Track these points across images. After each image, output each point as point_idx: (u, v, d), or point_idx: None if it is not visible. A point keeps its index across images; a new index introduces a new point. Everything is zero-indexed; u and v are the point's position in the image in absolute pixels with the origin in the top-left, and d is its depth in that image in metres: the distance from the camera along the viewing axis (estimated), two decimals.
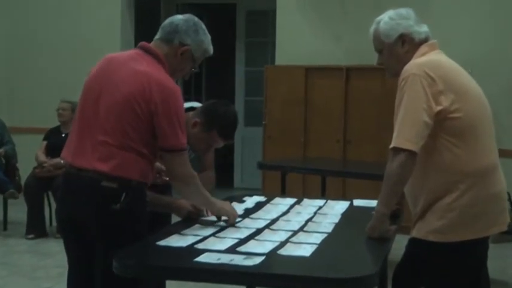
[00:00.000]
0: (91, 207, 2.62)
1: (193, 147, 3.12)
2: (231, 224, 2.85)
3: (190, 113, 3.10)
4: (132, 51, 2.83)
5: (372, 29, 2.84)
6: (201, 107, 3.15)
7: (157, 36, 2.83)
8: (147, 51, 2.77)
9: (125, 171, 2.61)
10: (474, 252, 2.74)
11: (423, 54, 2.75)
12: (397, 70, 2.80)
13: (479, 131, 2.69)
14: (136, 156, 2.63)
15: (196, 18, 2.87)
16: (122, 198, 2.60)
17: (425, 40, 2.78)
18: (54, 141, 6.40)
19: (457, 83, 2.68)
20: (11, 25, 8.35)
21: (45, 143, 6.52)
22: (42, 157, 6.39)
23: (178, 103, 2.68)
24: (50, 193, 6.50)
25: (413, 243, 2.75)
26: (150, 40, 2.85)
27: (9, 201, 6.61)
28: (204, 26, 2.87)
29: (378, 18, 2.83)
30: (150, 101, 2.60)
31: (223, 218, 2.89)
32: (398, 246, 2.97)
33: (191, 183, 2.75)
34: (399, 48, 2.79)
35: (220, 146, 3.20)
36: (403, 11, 2.81)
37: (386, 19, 2.79)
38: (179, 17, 2.86)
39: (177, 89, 2.70)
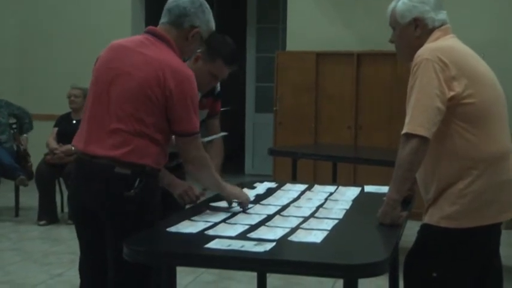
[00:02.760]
0: (105, 194, 2.63)
1: (198, 84, 3.05)
2: (245, 206, 2.87)
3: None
4: (141, 37, 2.81)
5: (391, 5, 2.82)
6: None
7: (164, 20, 2.80)
8: (157, 36, 2.76)
9: (139, 158, 2.62)
10: (486, 238, 2.73)
11: (436, 39, 2.72)
12: (405, 53, 2.79)
13: (492, 117, 2.66)
14: (150, 142, 2.64)
15: None
16: (136, 184, 2.61)
17: (439, 27, 2.76)
18: (65, 128, 6.43)
19: (470, 68, 2.65)
20: (22, 13, 8.39)
21: (56, 129, 6.55)
22: (53, 144, 6.41)
23: (193, 87, 2.69)
24: (61, 180, 6.53)
25: (426, 229, 2.74)
26: None
27: (21, 187, 6.65)
28: (206, 3, 2.86)
29: None
30: (165, 87, 2.60)
31: (234, 203, 2.89)
32: (410, 232, 2.97)
33: (203, 166, 2.77)
34: (411, 31, 2.76)
35: (225, 76, 3.20)
36: None
37: (405, 0, 2.77)
38: None
39: (191, 74, 2.70)
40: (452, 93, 2.57)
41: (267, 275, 3.66)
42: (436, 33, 2.74)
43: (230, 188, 2.93)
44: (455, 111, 2.59)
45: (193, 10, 2.78)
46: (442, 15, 2.78)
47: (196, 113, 2.70)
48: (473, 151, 2.60)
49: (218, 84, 3.46)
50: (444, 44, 2.70)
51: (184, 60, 2.89)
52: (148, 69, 2.62)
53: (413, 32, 2.76)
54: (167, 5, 2.83)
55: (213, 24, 2.87)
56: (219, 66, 3.14)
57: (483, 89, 2.65)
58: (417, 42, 2.74)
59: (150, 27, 2.83)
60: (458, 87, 2.58)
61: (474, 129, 2.61)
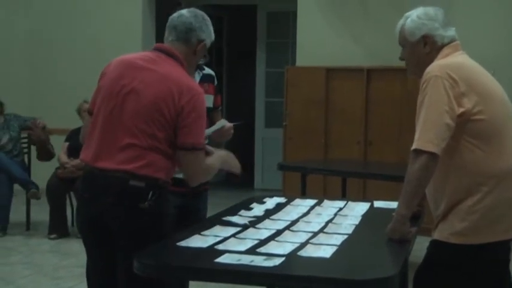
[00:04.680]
0: (119, 206, 2.66)
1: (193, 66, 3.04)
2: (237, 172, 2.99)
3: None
4: (150, 53, 2.85)
5: (399, 23, 2.83)
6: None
7: (171, 37, 2.86)
8: (166, 53, 2.81)
9: (152, 171, 2.66)
10: (496, 254, 2.71)
11: (446, 56, 2.73)
12: (415, 70, 2.80)
13: (501, 133, 2.66)
14: (163, 156, 2.69)
15: (200, 11, 2.92)
16: (149, 197, 2.64)
17: (448, 44, 2.77)
18: (76, 142, 6.42)
19: (480, 85, 2.66)
20: (33, 27, 8.44)
21: (67, 144, 6.57)
22: (64, 158, 6.44)
23: (202, 103, 2.75)
24: (71, 194, 6.55)
25: (435, 245, 2.73)
26: None
27: (32, 201, 6.67)
28: (206, 15, 2.93)
29: (407, 14, 2.82)
30: (178, 104, 2.66)
31: (245, 219, 2.89)
32: (419, 247, 2.97)
33: (210, 172, 2.84)
34: (421, 48, 2.77)
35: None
36: (431, 11, 2.79)
37: (414, 17, 2.78)
38: (186, 14, 2.89)
39: (201, 91, 2.77)
40: (462, 110, 2.57)
41: None
42: (445, 50, 2.75)
43: (222, 160, 2.95)
44: (465, 128, 2.59)
45: (198, 25, 2.86)
46: (451, 32, 2.79)
47: (203, 128, 2.76)
48: (483, 167, 2.60)
49: (215, 79, 3.50)
50: (454, 60, 2.71)
51: None
52: (161, 87, 2.68)
53: (423, 49, 2.77)
54: (171, 23, 2.89)
55: (213, 35, 2.94)
56: None
57: (493, 105, 2.65)
58: (427, 59, 2.75)
59: (159, 45, 2.89)
60: (468, 104, 2.58)
61: (484, 146, 2.61)
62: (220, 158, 2.94)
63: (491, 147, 2.62)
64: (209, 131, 3.19)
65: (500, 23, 6.98)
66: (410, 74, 2.89)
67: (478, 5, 7.07)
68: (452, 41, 2.78)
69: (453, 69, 2.62)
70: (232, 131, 3.23)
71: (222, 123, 3.21)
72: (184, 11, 2.91)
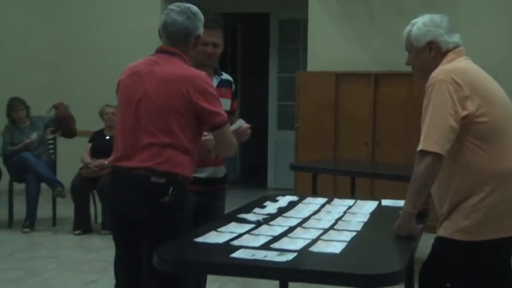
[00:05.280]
0: (142, 202, 2.71)
1: (198, 66, 3.03)
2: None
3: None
4: (153, 56, 2.89)
5: (406, 29, 2.83)
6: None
7: (170, 42, 2.87)
8: (168, 53, 2.86)
9: (172, 167, 2.70)
10: (499, 251, 2.70)
11: (450, 61, 2.72)
12: (420, 75, 2.80)
13: (503, 134, 2.65)
14: (182, 153, 2.72)
15: (189, 7, 2.89)
16: (170, 192, 2.67)
17: (453, 49, 2.76)
18: (98, 143, 6.49)
19: (483, 88, 2.65)
20: (55, 33, 8.46)
21: (90, 145, 6.60)
22: (88, 159, 6.48)
23: (210, 85, 2.81)
24: (95, 192, 6.58)
25: (440, 242, 2.72)
26: None
27: (58, 199, 6.71)
28: (193, 7, 2.92)
29: (414, 21, 2.81)
30: (190, 98, 2.71)
31: (259, 217, 2.89)
32: (425, 244, 2.95)
33: (236, 146, 2.90)
34: (426, 53, 2.77)
35: (215, 40, 3.24)
36: (437, 18, 2.78)
37: (420, 24, 2.77)
38: (178, 18, 2.84)
39: (204, 74, 2.81)
40: (465, 112, 2.57)
41: (289, 283, 3.66)
42: (450, 56, 2.75)
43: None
44: (468, 129, 2.58)
45: (192, 26, 2.87)
46: (456, 38, 2.78)
47: (220, 104, 2.81)
48: (486, 167, 2.59)
49: (233, 84, 3.49)
50: (458, 65, 2.70)
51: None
52: (171, 85, 2.73)
53: (428, 54, 2.76)
54: (166, 29, 2.88)
55: (203, 20, 2.94)
56: (204, 34, 3.07)
57: (495, 108, 2.64)
58: (432, 64, 2.74)
59: (160, 46, 2.93)
60: (471, 107, 2.57)
61: (486, 147, 2.60)
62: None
63: (494, 149, 2.61)
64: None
65: (503, 28, 6.94)
66: (417, 78, 2.88)
67: (482, 10, 7.03)
68: (456, 46, 2.77)
69: (457, 74, 2.62)
70: (249, 131, 3.23)
71: (240, 123, 3.21)
72: (174, 14, 2.85)
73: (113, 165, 2.83)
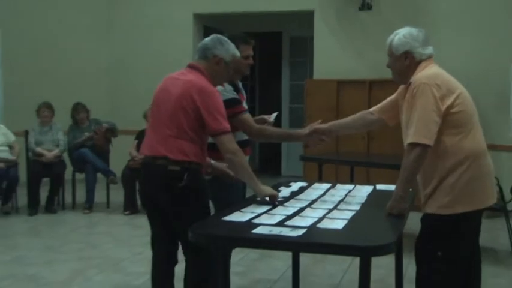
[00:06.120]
0: (163, 186, 2.72)
1: (233, 75, 2.99)
2: (274, 201, 2.79)
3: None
4: (183, 69, 2.92)
5: (390, 38, 2.81)
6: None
7: (195, 57, 2.93)
8: (192, 67, 2.88)
9: (184, 155, 2.69)
10: (474, 220, 2.71)
11: (423, 68, 2.71)
12: (397, 77, 2.80)
13: (473, 123, 2.66)
14: (190, 142, 2.71)
15: (218, 35, 2.93)
16: (184, 178, 2.67)
17: (426, 59, 2.73)
18: (142, 140, 6.50)
19: (455, 87, 2.66)
20: (112, 51, 8.52)
21: (136, 141, 6.63)
22: (134, 152, 6.51)
23: (216, 99, 2.74)
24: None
25: (427, 217, 2.70)
26: None
27: (111, 186, 6.77)
28: (226, 38, 2.92)
29: (397, 31, 2.80)
30: (192, 101, 2.70)
31: (266, 198, 2.85)
32: (411, 221, 2.93)
33: (238, 155, 2.75)
34: (402, 61, 2.76)
35: (252, 53, 3.17)
36: (415, 32, 2.76)
37: (401, 36, 2.76)
38: (206, 39, 2.94)
39: (213, 90, 2.78)
40: (445, 106, 2.57)
41: (300, 253, 3.65)
42: (422, 64, 2.74)
43: (262, 187, 2.82)
44: (447, 120, 2.59)
45: (211, 44, 2.88)
46: (429, 50, 2.76)
47: (222, 116, 2.72)
48: (460, 150, 2.59)
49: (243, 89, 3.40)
50: (434, 71, 2.70)
51: (238, 89, 3.08)
52: (181, 89, 2.74)
53: (404, 62, 2.75)
54: (197, 47, 2.95)
55: (234, 51, 2.91)
56: (243, 49, 3.09)
57: (466, 101, 2.66)
58: (407, 71, 2.75)
59: (190, 62, 2.94)
60: (448, 101, 2.58)
61: (461, 133, 2.60)
62: (259, 184, 2.81)
63: (466, 135, 2.61)
64: (272, 119, 3.45)
65: (476, 42, 6.86)
66: (394, 79, 2.87)
67: (458, 28, 6.96)
68: (429, 57, 2.75)
69: (436, 77, 2.62)
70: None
71: (275, 114, 3.43)
72: (207, 38, 2.94)
73: (143, 156, 2.85)
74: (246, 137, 3.22)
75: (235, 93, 3.15)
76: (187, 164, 2.70)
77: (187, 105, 2.70)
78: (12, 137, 6.62)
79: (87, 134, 6.73)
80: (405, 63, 2.74)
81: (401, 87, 2.86)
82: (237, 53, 2.94)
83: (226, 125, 2.74)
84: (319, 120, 3.31)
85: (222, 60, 2.87)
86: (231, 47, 2.91)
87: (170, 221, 2.79)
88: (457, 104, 2.58)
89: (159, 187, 2.73)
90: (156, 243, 2.93)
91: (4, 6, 7.89)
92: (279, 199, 2.91)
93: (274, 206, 2.76)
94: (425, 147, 2.51)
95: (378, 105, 3.10)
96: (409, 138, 2.55)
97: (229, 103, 2.99)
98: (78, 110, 6.83)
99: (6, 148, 6.50)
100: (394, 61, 2.79)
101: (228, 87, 3.11)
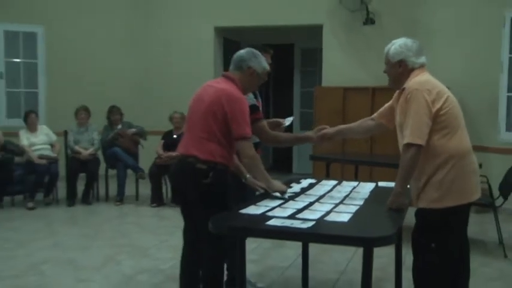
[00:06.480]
0: (191, 182, 2.72)
1: (253, 86, 2.97)
2: (282, 193, 2.82)
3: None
4: (218, 78, 2.94)
5: (387, 46, 2.82)
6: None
7: (231, 67, 2.91)
8: (225, 76, 2.88)
9: (211, 156, 2.69)
10: (462, 213, 2.70)
11: (416, 76, 2.71)
12: (392, 82, 2.80)
13: (458, 125, 2.66)
14: (218, 145, 2.71)
15: (253, 49, 2.94)
16: (210, 175, 2.67)
17: (418, 68, 2.72)
18: (168, 140, 6.56)
19: (443, 92, 2.66)
20: (143, 61, 8.53)
21: (162, 141, 6.67)
22: (161, 151, 6.55)
23: (242, 106, 2.73)
24: (166, 176, 6.64)
25: (420, 212, 2.70)
26: None
27: (140, 180, 6.80)
28: (258, 52, 2.93)
29: (394, 41, 2.81)
30: (223, 106, 2.69)
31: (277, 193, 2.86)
32: (409, 215, 2.91)
33: (254, 160, 2.76)
34: (396, 68, 2.76)
35: (269, 62, 3.18)
36: (409, 42, 2.76)
37: (397, 46, 2.76)
38: (241, 51, 2.93)
39: (242, 97, 2.77)
40: (435, 109, 2.57)
41: (309, 244, 3.65)
42: (415, 72, 2.74)
43: (273, 182, 2.87)
44: (436, 122, 2.59)
45: (247, 56, 2.88)
46: (421, 59, 2.76)
47: (246, 123, 2.71)
48: (447, 149, 2.59)
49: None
50: (425, 78, 2.70)
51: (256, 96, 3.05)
52: (213, 96, 2.73)
53: (398, 69, 2.76)
54: (232, 58, 2.93)
55: (265, 64, 2.92)
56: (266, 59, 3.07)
57: (453, 104, 2.66)
58: (401, 78, 2.75)
59: (224, 72, 2.94)
60: (438, 104, 2.59)
61: (447, 134, 2.60)
62: (271, 180, 2.85)
63: (452, 135, 2.60)
64: (287, 123, 3.42)
65: (467, 53, 6.81)
66: (389, 84, 2.87)
67: (451, 40, 6.91)
68: (422, 65, 2.75)
69: (427, 84, 2.63)
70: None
71: (291, 119, 3.38)
72: (242, 50, 2.94)
73: (179, 155, 2.86)
74: (257, 140, 3.23)
75: (255, 100, 3.16)
76: (214, 164, 2.70)
77: (217, 111, 2.70)
78: (53, 137, 6.72)
79: (114, 131, 6.79)
80: (399, 71, 2.75)
81: (397, 92, 2.85)
82: (267, 66, 2.93)
83: (248, 131, 2.73)
84: (325, 126, 3.28)
85: (255, 72, 2.87)
86: (263, 59, 2.91)
87: (194, 213, 2.80)
88: (445, 107, 2.59)
89: (188, 183, 2.74)
90: (185, 233, 2.96)
91: (51, 21, 8.05)
92: (290, 194, 2.92)
93: (286, 201, 2.77)
94: (419, 147, 2.52)
95: (378, 112, 3.11)
96: (405, 139, 2.56)
97: (250, 109, 2.99)
98: (113, 112, 6.90)
99: (48, 147, 6.61)
100: (389, 68, 2.79)
101: (250, 95, 3.13)
